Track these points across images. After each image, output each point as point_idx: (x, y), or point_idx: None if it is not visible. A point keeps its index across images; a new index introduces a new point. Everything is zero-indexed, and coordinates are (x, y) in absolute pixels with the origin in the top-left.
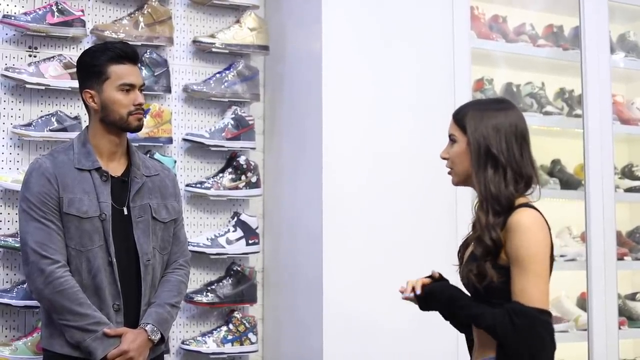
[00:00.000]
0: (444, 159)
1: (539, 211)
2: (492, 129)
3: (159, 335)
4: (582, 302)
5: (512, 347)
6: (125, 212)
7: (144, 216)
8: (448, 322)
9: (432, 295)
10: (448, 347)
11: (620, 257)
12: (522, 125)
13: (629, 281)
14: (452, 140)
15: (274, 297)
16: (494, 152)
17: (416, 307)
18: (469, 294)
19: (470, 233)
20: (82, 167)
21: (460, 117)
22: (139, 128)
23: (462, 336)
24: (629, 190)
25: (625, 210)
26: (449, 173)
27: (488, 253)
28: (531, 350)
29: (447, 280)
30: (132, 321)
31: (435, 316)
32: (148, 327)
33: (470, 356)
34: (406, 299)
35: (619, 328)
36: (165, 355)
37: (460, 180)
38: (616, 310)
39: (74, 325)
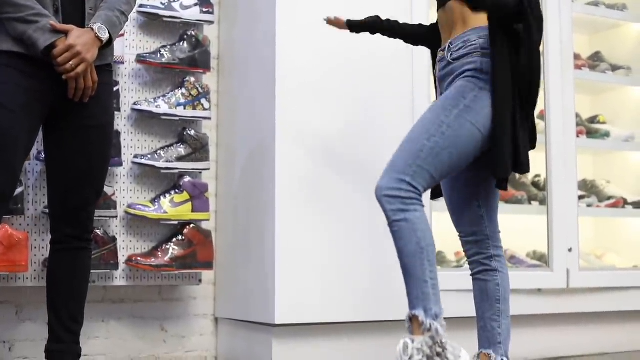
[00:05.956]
0: None
1: None
2: None
3: (107, 35)
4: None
5: None
6: None
7: None
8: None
9: None
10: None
11: (578, 68)
12: None
13: (588, 106)
14: None
15: (230, 82)
16: None
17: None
18: None
19: None
20: None
21: None
22: None
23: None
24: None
25: (584, 37)
26: None
27: None
28: None
29: None
30: (78, 25)
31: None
32: (96, 26)
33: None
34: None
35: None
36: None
37: None
38: (574, 120)
39: (14, 17)
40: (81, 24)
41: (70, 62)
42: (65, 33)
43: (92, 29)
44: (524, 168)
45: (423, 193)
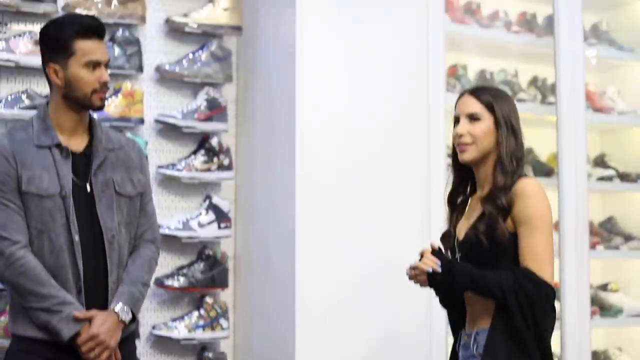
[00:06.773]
0: (461, 135)
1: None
2: (511, 108)
3: (130, 316)
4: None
5: (516, 309)
6: (88, 189)
7: (107, 191)
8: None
9: (451, 272)
10: (421, 335)
11: (593, 246)
12: None
13: (600, 271)
14: (476, 118)
15: (246, 284)
16: (516, 128)
17: (389, 293)
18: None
19: (450, 224)
20: (42, 143)
21: (485, 99)
22: (101, 107)
23: (436, 322)
24: (601, 179)
25: (597, 200)
26: (464, 149)
27: (499, 212)
28: (534, 311)
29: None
30: (101, 299)
31: (406, 303)
32: (118, 307)
33: (454, 333)
34: (415, 277)
35: (591, 317)
36: (135, 340)
37: (479, 155)
38: (588, 299)
39: (38, 307)
40: (104, 299)
41: (94, 351)
42: (89, 320)
43: (115, 312)
44: None
45: None
